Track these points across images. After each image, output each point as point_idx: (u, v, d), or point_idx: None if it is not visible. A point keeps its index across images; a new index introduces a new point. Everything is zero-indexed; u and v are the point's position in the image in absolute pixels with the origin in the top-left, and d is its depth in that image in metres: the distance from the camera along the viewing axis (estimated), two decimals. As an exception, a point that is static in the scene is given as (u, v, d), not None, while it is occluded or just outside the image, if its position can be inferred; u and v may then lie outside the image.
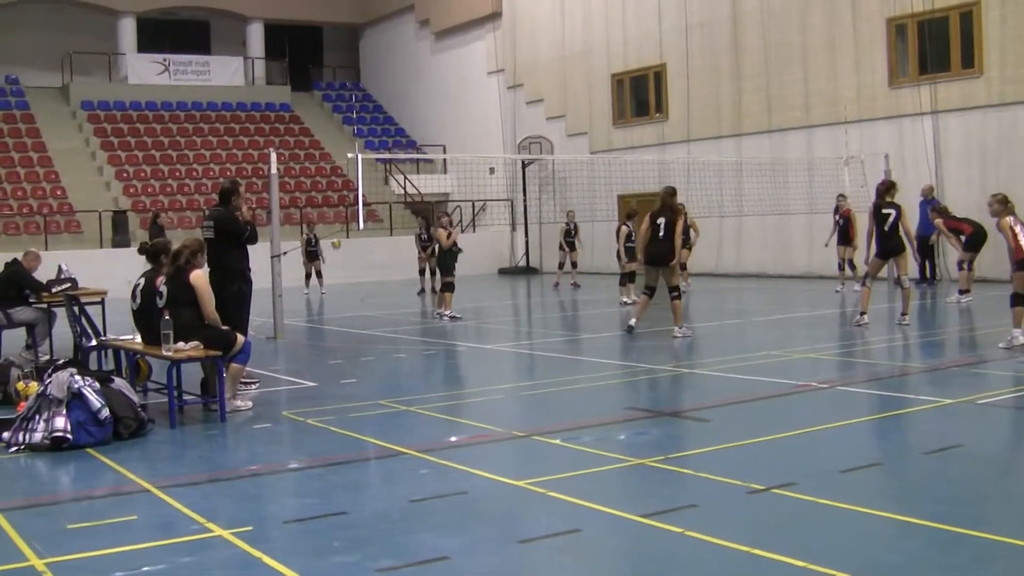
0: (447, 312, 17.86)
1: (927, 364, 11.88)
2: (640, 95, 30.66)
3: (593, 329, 17.28)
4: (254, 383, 11.12)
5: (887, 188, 15.02)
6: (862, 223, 18.14)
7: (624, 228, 19.98)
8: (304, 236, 25.76)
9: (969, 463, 7.22)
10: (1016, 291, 12.04)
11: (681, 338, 14.04)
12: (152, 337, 9.62)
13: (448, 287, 17.98)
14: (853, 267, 20.52)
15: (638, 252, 16.38)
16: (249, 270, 11.22)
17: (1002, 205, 12.29)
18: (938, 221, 18.71)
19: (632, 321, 14.64)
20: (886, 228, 14.62)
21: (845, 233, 20.51)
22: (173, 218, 31.20)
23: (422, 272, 24.68)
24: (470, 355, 14.45)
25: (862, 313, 14.73)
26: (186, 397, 10.12)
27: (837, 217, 20.69)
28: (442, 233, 17.96)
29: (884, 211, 14.66)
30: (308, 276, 25.61)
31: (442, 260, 18.06)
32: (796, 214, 24.44)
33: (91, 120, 35.71)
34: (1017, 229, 12.00)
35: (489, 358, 14.04)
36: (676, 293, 14.45)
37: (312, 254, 25.51)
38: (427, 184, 35.59)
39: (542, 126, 33.14)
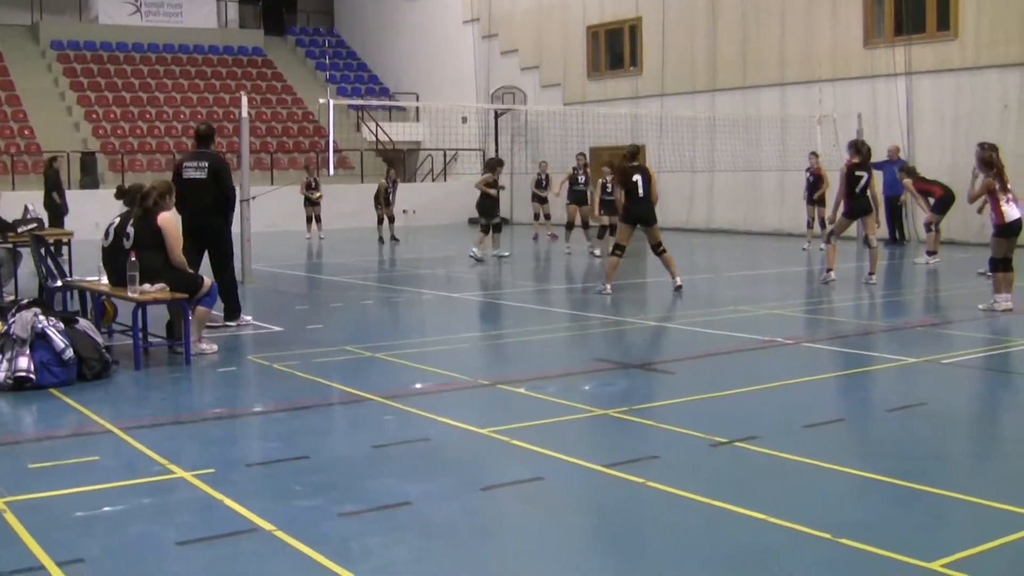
0: (500, 251, 19.89)
1: (893, 323, 11.94)
2: (615, 48, 30.48)
3: (563, 280, 17.29)
4: (225, 325, 11.15)
5: (862, 150, 14.97)
6: (831, 181, 18.17)
7: (600, 181, 19.88)
8: (305, 180, 25.64)
9: (932, 421, 7.29)
10: (995, 256, 12.04)
11: (682, 288, 13.97)
12: (119, 278, 9.56)
13: (498, 228, 19.66)
14: (824, 225, 20.55)
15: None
16: None
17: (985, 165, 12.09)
18: (907, 181, 18.67)
19: (608, 287, 13.95)
20: (856, 190, 14.64)
21: (814, 191, 20.60)
22: (143, 160, 30.91)
23: (380, 221, 24.73)
24: (438, 303, 14.44)
25: (829, 270, 14.78)
26: (151, 339, 10.09)
27: (808, 175, 20.76)
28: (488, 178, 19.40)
29: (857, 173, 14.67)
30: (309, 220, 25.64)
31: (486, 204, 19.39)
32: (768, 171, 24.45)
33: (61, 60, 35.16)
34: (999, 193, 11.86)
35: (457, 307, 14.02)
36: (662, 247, 14.10)
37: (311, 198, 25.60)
38: (399, 132, 35.42)
39: (516, 77, 32.94)
